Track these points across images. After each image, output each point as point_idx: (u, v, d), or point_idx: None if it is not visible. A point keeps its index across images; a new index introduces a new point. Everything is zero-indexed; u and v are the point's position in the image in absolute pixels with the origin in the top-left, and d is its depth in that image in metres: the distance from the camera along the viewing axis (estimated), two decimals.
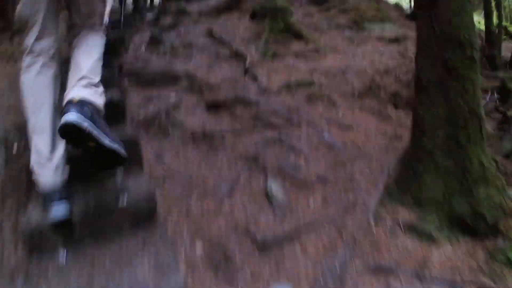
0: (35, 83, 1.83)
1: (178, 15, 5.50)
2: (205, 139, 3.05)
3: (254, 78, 3.73)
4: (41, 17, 1.81)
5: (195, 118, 3.25)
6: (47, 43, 1.86)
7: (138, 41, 4.71)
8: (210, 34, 4.70)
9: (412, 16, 6.68)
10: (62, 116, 1.61)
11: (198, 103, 3.40)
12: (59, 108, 1.78)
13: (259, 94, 3.50)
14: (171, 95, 3.44)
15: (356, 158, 3.03)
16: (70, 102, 1.67)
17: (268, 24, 4.70)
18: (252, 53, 4.21)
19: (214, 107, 3.35)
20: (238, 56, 4.15)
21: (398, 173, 2.62)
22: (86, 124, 1.60)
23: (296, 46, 4.57)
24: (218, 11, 5.56)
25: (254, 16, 5.07)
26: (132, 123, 3.06)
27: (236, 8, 5.57)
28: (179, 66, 3.91)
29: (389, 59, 4.61)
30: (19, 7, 1.82)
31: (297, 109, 3.39)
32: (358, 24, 5.71)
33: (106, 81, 3.23)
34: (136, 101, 3.39)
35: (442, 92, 2.36)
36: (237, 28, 4.88)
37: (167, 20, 5.44)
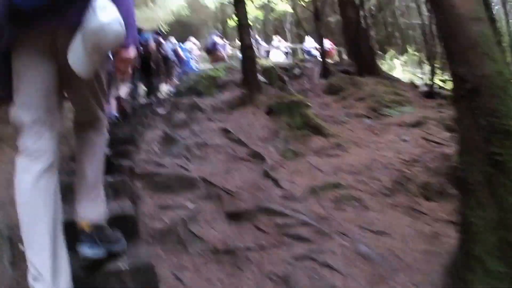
0: (32, 193, 1.65)
1: (190, 110, 5.42)
2: (228, 255, 2.72)
3: (276, 182, 3.47)
4: (40, 117, 1.69)
5: (215, 230, 2.95)
6: (46, 145, 1.71)
7: (150, 139, 4.57)
8: (225, 132, 4.54)
9: (429, 94, 6.59)
10: (78, 245, 1.81)
11: (217, 213, 3.11)
12: (59, 223, 1.71)
13: (283, 201, 3.21)
14: (188, 204, 3.17)
15: (397, 271, 2.66)
16: (82, 230, 1.85)
17: (285, 120, 4.55)
18: (270, 153, 4.01)
19: (235, 217, 3.05)
20: (256, 157, 3.95)
21: (446, 285, 2.26)
22: (101, 253, 1.88)
23: (316, 142, 4.38)
24: (232, 106, 5.48)
25: (270, 112, 4.95)
26: (146, 236, 2.77)
27: (249, 103, 5.49)
28: (195, 169, 3.69)
29: (414, 147, 4.37)
30: (15, 110, 1.70)
31: (326, 217, 3.08)
32: (376, 111, 5.58)
33: (117, 188, 3.07)
34: (150, 210, 3.12)
35: (491, 191, 2.05)
36: (253, 125, 4.74)
37: (180, 115, 5.36)
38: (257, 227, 2.94)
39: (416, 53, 15.22)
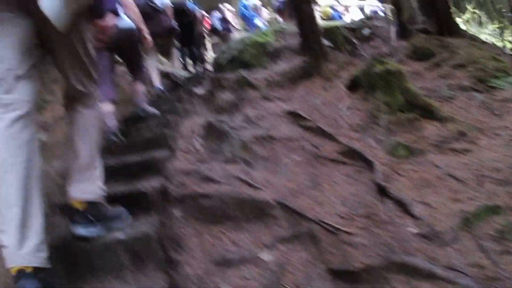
0: (1, 140, 1.55)
1: (239, 87, 4.06)
2: None
3: (400, 205, 2.09)
4: (12, 69, 1.60)
5: None
6: (20, 95, 1.61)
7: (188, 133, 3.26)
8: (294, 117, 3.17)
9: None
10: (71, 225, 1.84)
11: (315, 269, 1.79)
12: (34, 178, 1.58)
13: (422, 245, 1.85)
14: (262, 254, 1.86)
15: None
16: (76, 210, 1.84)
17: (381, 98, 3.12)
18: (373, 151, 2.62)
19: (348, 279, 1.72)
20: (353, 156, 2.56)
21: None
22: (94, 233, 1.86)
23: (431, 130, 2.95)
24: (293, 80, 4.07)
25: (353, 86, 3.53)
26: None
27: (316, 74, 4.07)
28: (263, 181, 2.37)
29: None
30: None
31: (496, 276, 1.70)
32: (483, 81, 4.06)
33: (139, 216, 2.03)
34: (201, 264, 1.85)
35: None
36: (331, 105, 3.33)
37: (225, 95, 4.00)
38: None
39: (476, 11, 13.62)
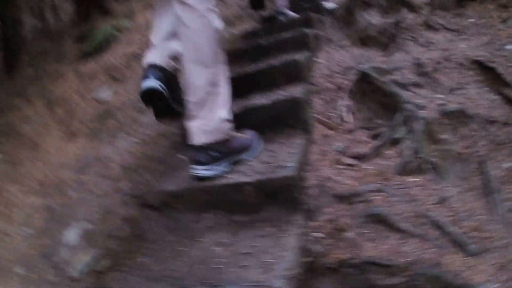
0: None
1: (389, 6, 3.18)
2: None
3: None
4: None
5: None
6: None
7: (327, 86, 2.60)
8: (485, 73, 2.38)
9: None
10: (191, 165, 1.81)
11: None
12: None
13: None
14: None
15: None
16: (196, 148, 1.77)
17: None
18: None
19: None
20: None
21: None
22: (218, 171, 1.78)
23: None
24: (458, 3, 3.12)
25: None
26: None
27: None
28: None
29: None
30: None
31: None
32: None
33: None
34: None
35: None
36: None
37: (372, 17, 3.15)
38: None
39: None
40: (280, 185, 1.66)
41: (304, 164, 1.87)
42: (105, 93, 3.55)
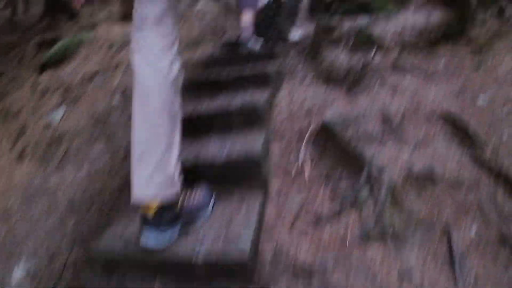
0: None
1: (356, 45, 3.05)
2: None
3: None
4: None
5: None
6: None
7: (288, 128, 2.43)
8: (455, 128, 2.24)
9: None
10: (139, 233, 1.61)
11: None
12: None
13: None
14: None
15: None
16: (144, 216, 1.57)
17: None
18: None
19: None
20: None
21: None
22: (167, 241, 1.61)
23: None
24: (431, 42, 3.02)
25: None
26: None
27: (460, 38, 3.00)
28: None
29: None
30: None
31: None
32: None
33: None
34: None
35: None
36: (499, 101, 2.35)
37: (337, 56, 3.01)
38: None
39: None
40: (233, 261, 1.54)
41: (258, 232, 1.68)
42: (58, 115, 3.38)
